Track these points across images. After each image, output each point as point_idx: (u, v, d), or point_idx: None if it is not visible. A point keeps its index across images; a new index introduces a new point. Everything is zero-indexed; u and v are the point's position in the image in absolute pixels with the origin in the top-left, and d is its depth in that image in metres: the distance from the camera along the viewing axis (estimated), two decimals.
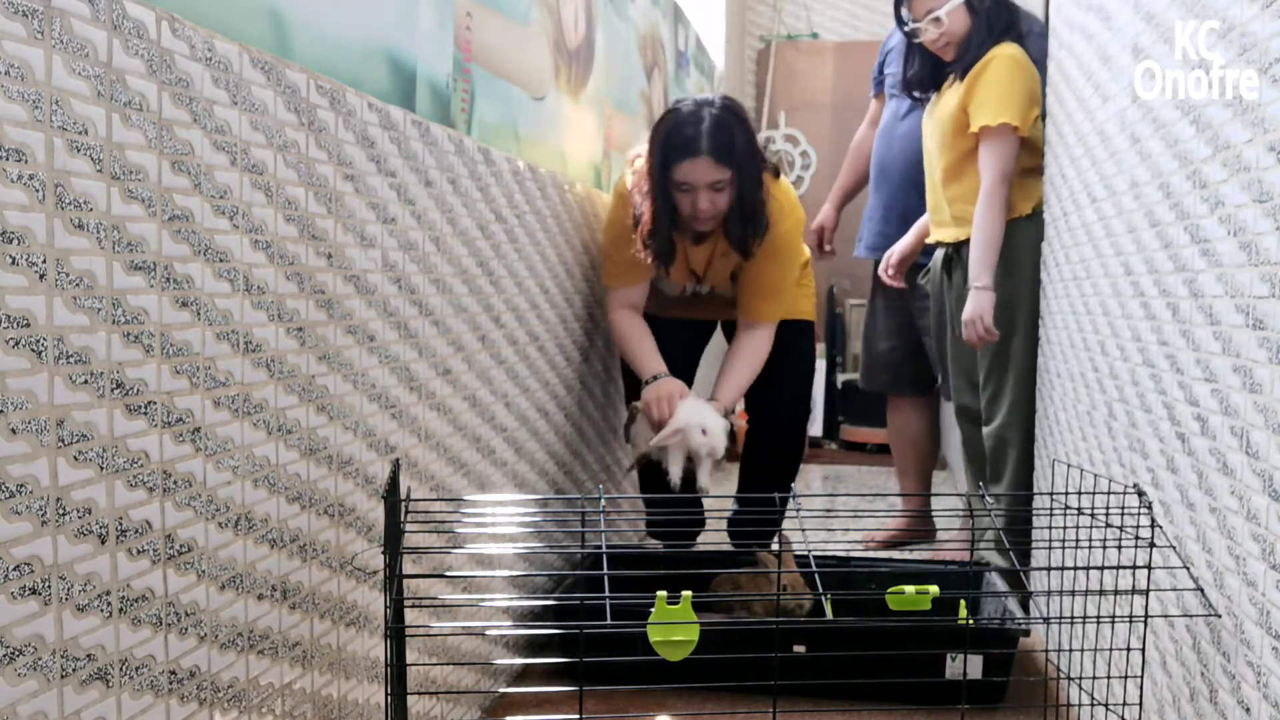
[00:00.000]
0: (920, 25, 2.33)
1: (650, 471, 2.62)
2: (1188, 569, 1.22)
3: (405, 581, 1.34)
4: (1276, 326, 1.01)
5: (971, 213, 2.34)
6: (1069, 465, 1.84)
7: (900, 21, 2.41)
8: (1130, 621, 1.35)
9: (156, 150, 0.92)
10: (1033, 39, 2.38)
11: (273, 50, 1.11)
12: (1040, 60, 2.31)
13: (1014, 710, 1.85)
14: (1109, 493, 1.33)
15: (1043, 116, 2.34)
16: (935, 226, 2.49)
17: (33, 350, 0.79)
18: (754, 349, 2.30)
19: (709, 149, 2.05)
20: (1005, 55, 2.27)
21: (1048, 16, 2.29)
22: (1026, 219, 2.33)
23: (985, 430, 2.41)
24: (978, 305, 2.27)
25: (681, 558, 2.39)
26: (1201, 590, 1.18)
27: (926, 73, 2.45)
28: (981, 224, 2.28)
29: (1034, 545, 1.73)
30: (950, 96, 2.35)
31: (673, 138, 2.08)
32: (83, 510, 0.84)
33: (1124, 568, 1.31)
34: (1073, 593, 1.42)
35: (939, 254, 2.51)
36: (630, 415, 2.27)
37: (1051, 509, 1.51)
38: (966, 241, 2.35)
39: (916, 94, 2.54)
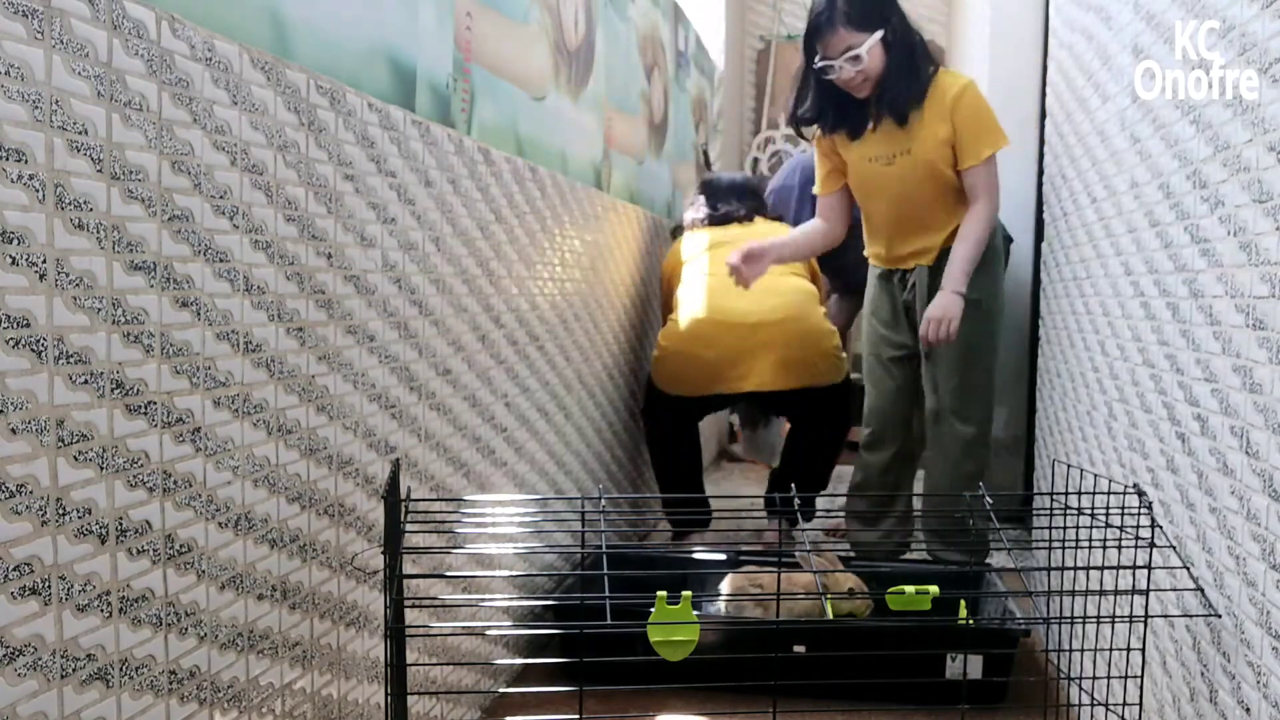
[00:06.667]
0: (835, 63, 2.22)
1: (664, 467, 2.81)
2: (1188, 569, 1.22)
3: (405, 581, 1.34)
4: (1276, 326, 1.01)
5: (938, 240, 2.34)
6: (1069, 465, 1.84)
7: (810, 57, 2.28)
8: (1130, 621, 1.35)
9: (156, 150, 0.92)
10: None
11: (273, 50, 1.11)
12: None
13: (1014, 710, 1.85)
14: (1109, 493, 1.33)
15: (1043, 117, 2.33)
16: (914, 257, 2.42)
17: (33, 350, 0.79)
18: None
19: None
20: (969, 83, 2.26)
21: (1048, 16, 2.29)
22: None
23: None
24: (954, 306, 2.25)
25: (682, 558, 2.39)
26: (1201, 590, 1.18)
27: (828, 110, 2.35)
28: (980, 238, 2.28)
29: (1034, 545, 1.73)
30: (921, 136, 2.27)
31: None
32: (83, 510, 0.84)
33: (1124, 568, 1.31)
34: (1073, 593, 1.42)
35: (921, 274, 2.41)
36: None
37: (1051, 509, 1.51)
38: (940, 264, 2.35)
39: (805, 133, 2.48)
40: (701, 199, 3.04)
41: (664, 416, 2.79)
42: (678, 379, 2.71)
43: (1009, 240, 2.96)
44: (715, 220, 2.94)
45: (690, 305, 2.69)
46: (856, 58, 2.19)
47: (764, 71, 5.08)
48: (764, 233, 2.85)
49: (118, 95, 0.87)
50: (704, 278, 2.73)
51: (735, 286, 2.52)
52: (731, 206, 2.96)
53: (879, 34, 2.19)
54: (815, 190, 2.54)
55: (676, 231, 3.10)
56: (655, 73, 3.13)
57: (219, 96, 1.01)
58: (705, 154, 4.00)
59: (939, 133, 2.24)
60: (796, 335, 2.60)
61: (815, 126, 2.42)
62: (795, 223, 3.07)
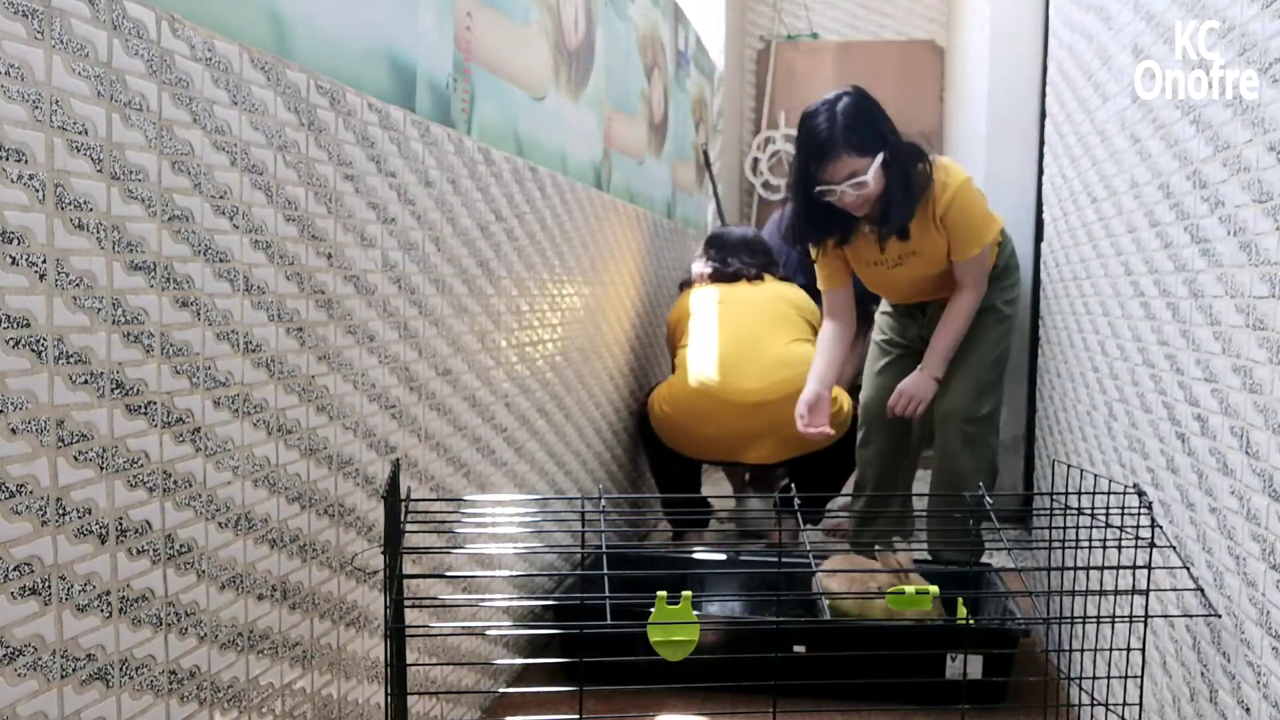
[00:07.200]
0: (839, 188, 2.15)
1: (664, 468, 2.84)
2: (1188, 569, 1.22)
3: (405, 581, 1.35)
4: (1276, 326, 1.01)
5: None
6: (1069, 465, 1.84)
7: (809, 182, 2.19)
8: (1130, 621, 1.35)
9: (156, 150, 0.92)
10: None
11: (273, 50, 1.11)
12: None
13: (1014, 710, 1.85)
14: (1109, 493, 1.33)
15: (1043, 117, 2.33)
16: (933, 297, 2.46)
17: (33, 350, 0.79)
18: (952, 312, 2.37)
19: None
20: (960, 184, 2.21)
21: (1048, 16, 2.29)
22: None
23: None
24: (928, 389, 2.33)
25: (682, 558, 2.39)
26: (1201, 590, 1.18)
27: (821, 223, 2.29)
28: (962, 325, 2.32)
29: (1034, 545, 1.73)
30: (923, 241, 2.25)
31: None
32: (83, 510, 0.84)
33: (1124, 568, 1.31)
34: (1073, 593, 1.42)
35: (936, 309, 2.45)
36: None
37: (1051, 509, 1.51)
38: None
39: (800, 248, 2.43)
40: (711, 252, 3.00)
41: (660, 454, 2.84)
42: (676, 443, 2.76)
43: (1008, 239, 2.98)
44: (724, 277, 2.91)
45: (696, 371, 2.67)
46: (861, 183, 2.14)
47: (764, 71, 5.08)
48: (773, 292, 2.85)
49: (118, 95, 0.87)
50: (712, 342, 2.71)
51: (743, 355, 2.61)
52: (741, 263, 2.92)
53: (880, 156, 2.14)
54: (820, 287, 2.50)
55: (684, 285, 3.06)
56: (655, 73, 3.13)
57: (219, 96, 1.01)
58: (705, 154, 4.00)
59: (939, 240, 2.25)
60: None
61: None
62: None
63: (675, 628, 1.14)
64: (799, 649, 1.88)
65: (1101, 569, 1.36)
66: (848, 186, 2.15)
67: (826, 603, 2.00)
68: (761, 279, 2.90)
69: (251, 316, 1.07)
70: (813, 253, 2.43)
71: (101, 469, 0.86)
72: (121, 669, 0.89)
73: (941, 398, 2.40)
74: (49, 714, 0.81)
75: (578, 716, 1.15)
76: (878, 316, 2.62)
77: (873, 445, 2.55)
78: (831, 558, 2.11)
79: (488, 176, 1.72)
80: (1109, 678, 1.42)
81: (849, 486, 2.87)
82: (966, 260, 2.26)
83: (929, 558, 2.50)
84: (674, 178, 3.48)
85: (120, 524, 0.88)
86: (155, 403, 0.93)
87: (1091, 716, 1.56)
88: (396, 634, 1.16)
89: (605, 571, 1.13)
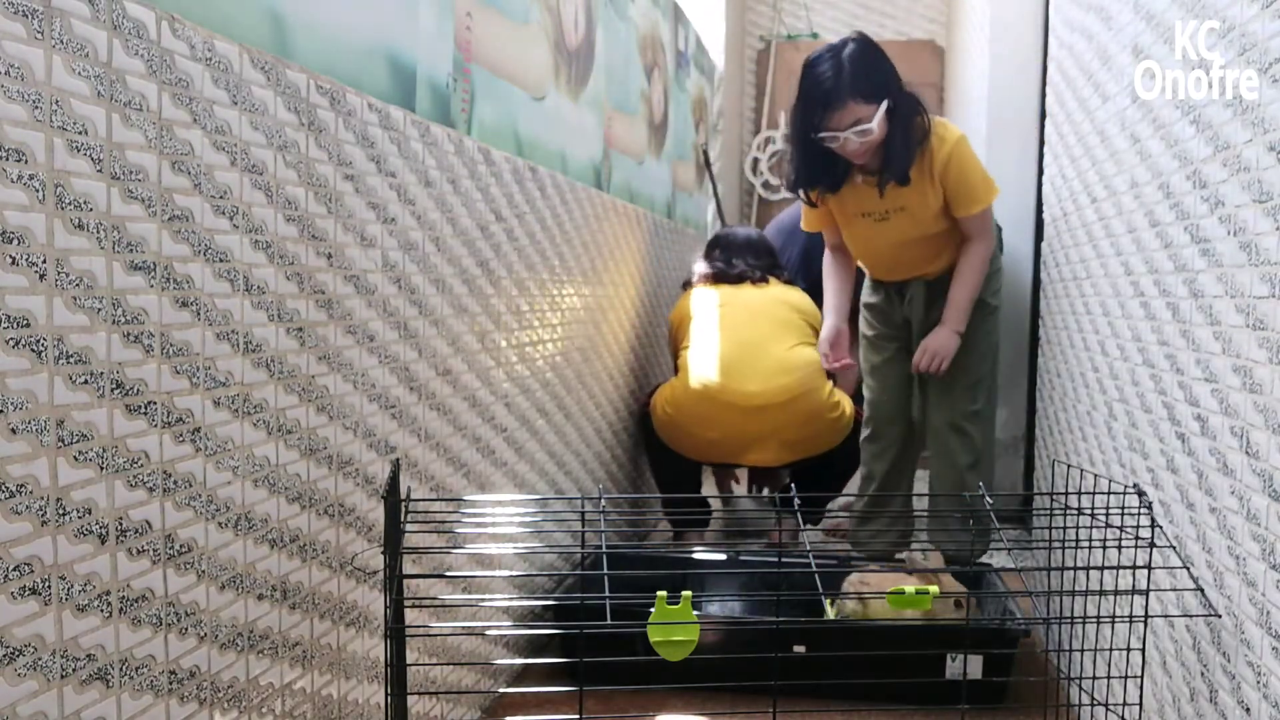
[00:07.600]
0: (844, 135, 2.12)
1: (668, 469, 2.85)
2: (1188, 569, 1.23)
3: (405, 581, 1.35)
4: (1276, 326, 1.01)
5: (938, 267, 2.35)
6: (1069, 465, 1.84)
7: (812, 130, 2.16)
8: (1130, 621, 1.35)
9: (156, 150, 0.92)
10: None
11: (273, 50, 1.11)
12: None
13: (1014, 710, 1.85)
14: (1109, 493, 1.33)
15: (1043, 117, 2.33)
16: (912, 277, 2.43)
17: (33, 350, 0.79)
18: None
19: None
20: (957, 140, 2.19)
21: (1048, 16, 2.29)
22: None
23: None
24: (952, 343, 2.32)
25: (682, 558, 2.39)
26: (1201, 590, 1.18)
27: (819, 170, 2.26)
28: (978, 279, 2.32)
29: (1034, 545, 1.73)
30: (915, 196, 2.22)
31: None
32: (83, 510, 0.84)
33: (1124, 568, 1.31)
34: (1073, 593, 1.42)
35: (918, 288, 2.43)
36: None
37: (1051, 509, 1.51)
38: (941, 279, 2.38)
39: (805, 197, 2.40)
40: (715, 253, 2.98)
41: (661, 454, 2.85)
42: (678, 444, 2.76)
43: (998, 228, 2.97)
44: (729, 279, 2.89)
45: (698, 374, 2.66)
46: (866, 130, 2.11)
47: (764, 71, 5.08)
48: (777, 295, 2.83)
49: (118, 95, 0.87)
50: (714, 345, 2.70)
51: (746, 359, 2.62)
52: (746, 265, 2.91)
53: (885, 104, 2.11)
54: (815, 227, 2.49)
55: (686, 285, 3.03)
56: (655, 73, 3.13)
57: (219, 96, 1.01)
58: (705, 154, 4.00)
59: (931, 197, 2.23)
60: (801, 414, 2.62)
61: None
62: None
63: (675, 628, 1.14)
64: (799, 649, 1.88)
65: (1101, 569, 1.36)
66: (852, 133, 2.12)
67: (828, 602, 2.00)
68: (766, 281, 2.89)
69: (251, 316, 1.07)
70: (813, 199, 2.40)
71: (101, 469, 0.86)
72: (121, 669, 0.89)
73: (935, 395, 2.40)
74: (49, 714, 0.81)
75: (578, 716, 1.15)
76: (862, 308, 2.60)
77: (881, 441, 2.55)
78: (869, 565, 2.12)
79: (488, 176, 1.72)
80: (1109, 678, 1.42)
81: (850, 488, 2.86)
82: (969, 216, 2.24)
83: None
84: (674, 178, 3.48)
85: (120, 524, 0.88)
86: (155, 403, 0.93)
87: (1091, 716, 1.56)
88: (396, 634, 1.17)
89: (605, 571, 1.13)
